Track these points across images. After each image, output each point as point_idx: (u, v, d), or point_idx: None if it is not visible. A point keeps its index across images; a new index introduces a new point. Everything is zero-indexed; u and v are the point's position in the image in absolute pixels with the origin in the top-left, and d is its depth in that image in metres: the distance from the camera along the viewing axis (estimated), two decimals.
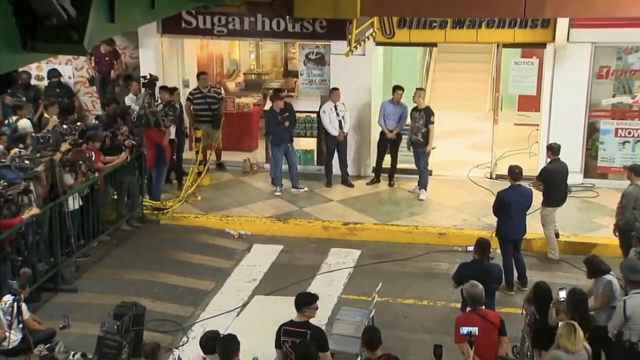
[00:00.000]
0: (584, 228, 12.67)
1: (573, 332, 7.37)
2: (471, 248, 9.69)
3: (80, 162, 11.57)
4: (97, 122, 14.01)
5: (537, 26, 13.82)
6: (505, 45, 14.47)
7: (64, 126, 12.57)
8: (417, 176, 14.09)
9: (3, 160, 10.93)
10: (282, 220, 13.21)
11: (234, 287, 11.30)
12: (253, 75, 18.39)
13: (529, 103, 15.56)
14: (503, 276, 10.09)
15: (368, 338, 7.28)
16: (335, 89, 14.38)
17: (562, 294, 8.25)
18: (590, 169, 14.38)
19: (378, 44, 14.59)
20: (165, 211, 13.47)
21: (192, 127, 14.98)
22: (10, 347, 8.71)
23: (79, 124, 13.06)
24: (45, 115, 13.53)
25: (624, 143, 14.12)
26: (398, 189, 14.45)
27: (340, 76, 14.50)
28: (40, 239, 10.68)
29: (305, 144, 15.47)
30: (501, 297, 10.31)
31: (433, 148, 14.00)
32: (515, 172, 11.04)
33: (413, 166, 14.20)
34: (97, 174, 12.03)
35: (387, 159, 14.56)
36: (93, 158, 11.99)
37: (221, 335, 7.35)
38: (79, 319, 9.84)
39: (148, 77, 14.02)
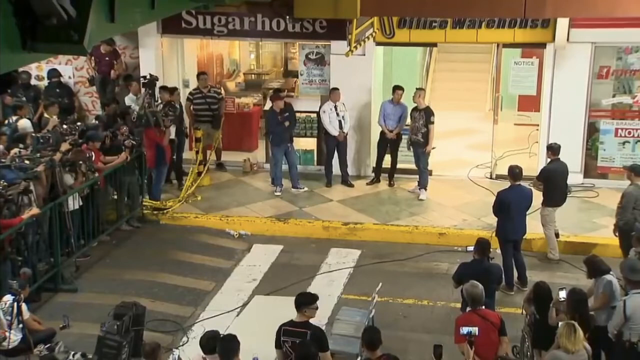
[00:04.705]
0: (584, 228, 12.67)
1: (573, 332, 7.37)
2: (471, 248, 9.72)
3: (80, 162, 11.57)
4: (97, 122, 14.00)
5: (537, 26, 13.82)
6: (505, 45, 14.46)
7: (64, 126, 12.57)
8: (417, 176, 14.09)
9: (3, 160, 10.92)
10: (282, 220, 13.21)
11: (234, 287, 11.30)
12: (253, 75, 18.39)
13: (529, 103, 15.56)
14: (503, 276, 10.10)
15: (368, 338, 7.28)
16: (335, 89, 14.38)
17: (562, 294, 8.25)
18: (590, 169, 14.38)
19: (378, 44, 14.59)
20: (165, 211, 13.46)
21: (192, 127, 14.98)
22: (10, 347, 8.71)
23: (79, 124, 13.06)
24: (45, 115, 13.53)
25: (624, 143, 14.12)
26: (398, 189, 14.45)
27: (340, 76, 14.50)
28: (40, 239, 10.67)
29: (305, 144, 15.47)
30: (501, 297, 10.31)
31: (433, 148, 14.00)
32: (515, 172, 11.04)
33: (413, 166, 14.20)
34: (97, 174, 12.03)
35: (387, 159, 14.56)
36: (93, 158, 11.99)
37: (221, 335, 7.36)
38: (79, 319, 9.86)
39: (148, 77, 14.01)
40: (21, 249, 10.29)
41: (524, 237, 11.18)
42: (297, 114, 14.60)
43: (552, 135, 13.86)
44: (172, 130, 14.01)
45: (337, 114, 14.33)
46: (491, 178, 14.72)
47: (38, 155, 11.21)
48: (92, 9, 4.83)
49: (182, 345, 9.64)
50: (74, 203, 11.40)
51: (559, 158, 11.80)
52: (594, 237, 12.30)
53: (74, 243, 11.42)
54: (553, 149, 11.84)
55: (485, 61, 17.51)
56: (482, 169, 14.99)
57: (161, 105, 13.90)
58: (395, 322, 10.27)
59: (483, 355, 7.66)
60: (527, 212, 11.10)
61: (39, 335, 9.04)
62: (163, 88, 14.25)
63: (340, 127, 14.35)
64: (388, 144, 14.45)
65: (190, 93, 15.09)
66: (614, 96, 14.28)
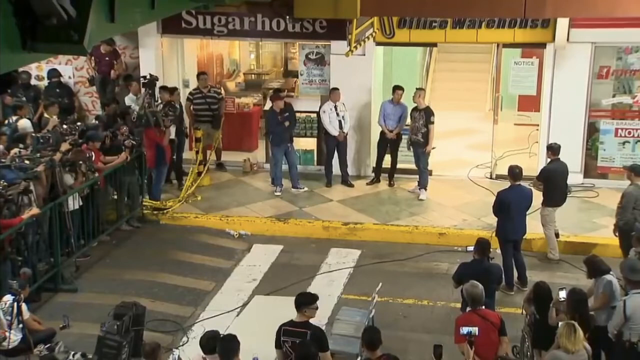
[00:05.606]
0: (584, 228, 12.67)
1: (573, 332, 7.38)
2: (471, 248, 9.71)
3: (80, 162, 11.57)
4: (97, 122, 14.00)
5: (537, 26, 13.82)
6: (505, 45, 14.46)
7: (64, 126, 12.57)
8: (417, 176, 14.09)
9: (3, 160, 10.92)
10: (282, 220, 13.20)
11: (234, 287, 11.30)
12: (253, 75, 18.39)
13: (529, 103, 15.56)
14: (503, 276, 10.09)
15: (368, 338, 7.29)
16: (335, 89, 14.38)
17: (562, 294, 8.25)
18: (590, 169, 14.38)
19: (378, 44, 14.59)
20: (165, 211, 13.46)
21: (192, 127, 14.98)
22: (10, 347, 8.71)
23: (79, 124, 13.06)
24: (45, 115, 13.53)
25: (624, 143, 14.12)
26: (398, 189, 14.45)
27: (340, 76, 14.50)
28: (40, 239, 10.67)
29: (305, 144, 15.47)
30: (501, 297, 10.31)
31: (433, 148, 14.00)
32: (515, 172, 11.04)
33: (413, 166, 14.20)
34: (97, 174, 12.03)
35: (387, 159, 14.56)
36: (93, 158, 11.99)
37: (221, 335, 7.36)
38: (79, 319, 9.86)
39: (148, 77, 14.01)
40: (21, 249, 10.29)
41: (524, 237, 11.18)
42: (297, 114, 14.59)
43: (552, 135, 13.86)
44: (172, 130, 14.02)
45: (337, 114, 14.33)
46: (491, 178, 14.72)
47: (38, 155, 11.20)
48: (92, 9, 4.83)
49: (182, 345, 9.64)
50: (74, 203, 11.40)
51: (559, 158, 11.80)
52: (594, 237, 12.30)
53: (74, 243, 11.42)
54: (553, 149, 11.85)
55: (485, 61, 17.51)
56: (482, 169, 14.99)
57: (161, 105, 13.90)
58: (395, 322, 10.27)
59: (483, 355, 7.66)
60: (527, 212, 11.10)
61: (39, 335, 9.04)
62: (163, 88, 14.25)
63: (340, 127, 14.35)
64: (388, 144, 14.45)
65: (190, 93, 15.09)
66: (614, 96, 14.28)
